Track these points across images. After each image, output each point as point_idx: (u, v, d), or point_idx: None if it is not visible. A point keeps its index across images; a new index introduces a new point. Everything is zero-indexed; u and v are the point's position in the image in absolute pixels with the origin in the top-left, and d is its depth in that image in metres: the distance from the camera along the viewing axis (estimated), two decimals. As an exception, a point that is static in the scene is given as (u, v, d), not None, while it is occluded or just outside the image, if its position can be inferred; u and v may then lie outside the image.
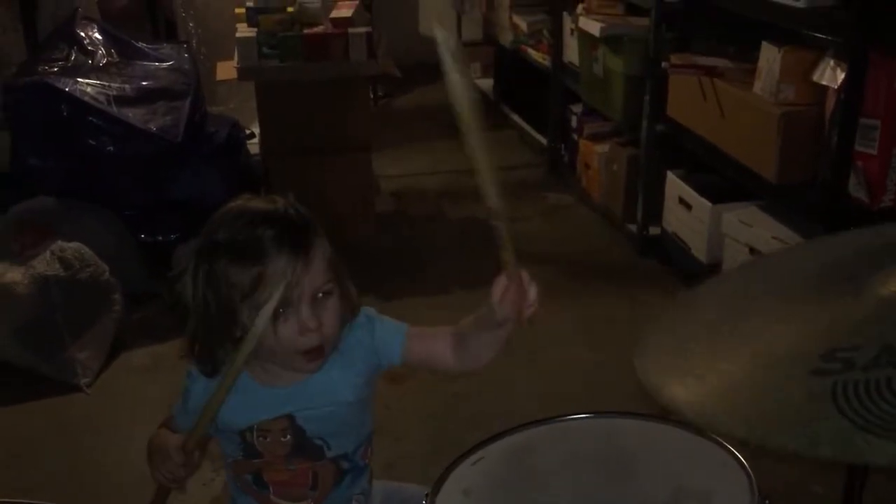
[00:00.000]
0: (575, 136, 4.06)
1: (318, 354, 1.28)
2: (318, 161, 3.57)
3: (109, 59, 3.43)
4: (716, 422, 0.92)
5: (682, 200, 3.20)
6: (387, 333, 1.37)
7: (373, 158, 3.73)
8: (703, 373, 0.99)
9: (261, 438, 1.33)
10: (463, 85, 1.06)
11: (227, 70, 3.76)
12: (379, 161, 3.83)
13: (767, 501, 1.20)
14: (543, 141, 4.45)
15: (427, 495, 1.32)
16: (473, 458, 1.41)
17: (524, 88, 4.75)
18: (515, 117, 4.87)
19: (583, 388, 2.63)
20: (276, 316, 1.20)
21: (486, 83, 5.21)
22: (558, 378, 2.72)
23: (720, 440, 1.34)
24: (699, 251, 3.11)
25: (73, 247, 2.93)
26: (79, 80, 3.22)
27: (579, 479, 1.30)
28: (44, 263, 2.86)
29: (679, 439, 1.37)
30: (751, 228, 2.81)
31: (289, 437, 1.33)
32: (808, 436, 0.83)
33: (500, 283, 1.24)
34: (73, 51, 3.39)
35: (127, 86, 3.33)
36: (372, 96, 5.14)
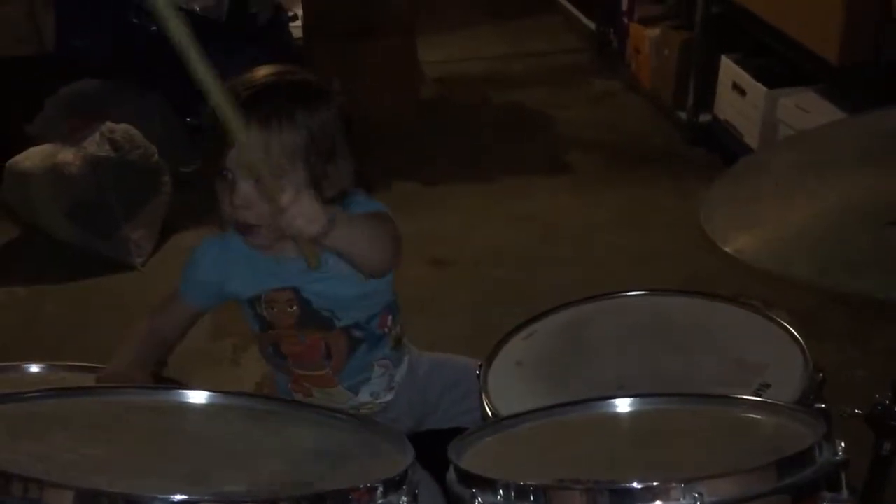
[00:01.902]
0: (625, 20, 3.93)
1: (250, 232, 1.28)
2: (362, 45, 3.50)
3: (151, -64, 3.35)
4: (789, 265, 0.93)
5: (735, 86, 3.11)
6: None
7: (416, 43, 3.66)
8: (772, 223, 0.99)
9: (269, 310, 1.36)
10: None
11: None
12: (421, 46, 3.75)
13: (821, 374, 1.21)
14: (591, 25, 4.32)
15: (481, 365, 1.35)
16: (525, 332, 1.43)
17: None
18: (561, 1, 4.72)
19: (629, 273, 2.63)
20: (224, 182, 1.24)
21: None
22: (604, 264, 2.72)
23: (774, 317, 1.34)
24: (751, 139, 3.03)
25: (122, 128, 2.94)
26: (123, -41, 3.17)
27: (632, 352, 1.31)
28: (94, 145, 2.89)
29: (733, 316, 1.38)
30: (807, 114, 2.73)
31: (295, 307, 1.35)
32: (883, 279, 0.83)
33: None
34: (115, -71, 3.32)
35: (170, -35, 3.26)
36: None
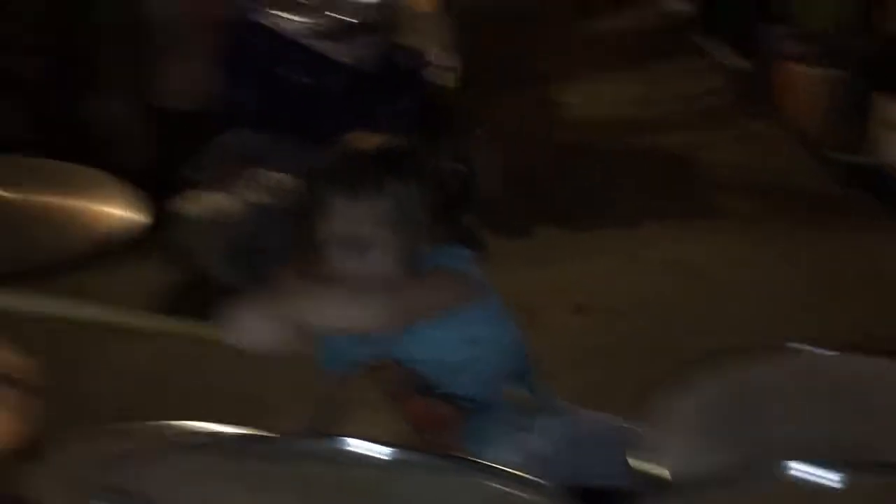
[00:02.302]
0: (773, 58, 3.82)
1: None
2: (504, 91, 3.55)
3: (310, -6, 3.53)
4: None
5: (892, 125, 2.96)
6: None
7: (558, 88, 3.67)
8: None
9: (376, 375, 1.38)
10: None
11: (423, 1, 3.79)
12: (564, 89, 3.77)
13: None
14: (736, 64, 4.22)
15: (636, 423, 1.31)
16: (686, 386, 1.38)
17: (717, 9, 4.50)
18: (707, 41, 4.63)
19: (784, 325, 2.52)
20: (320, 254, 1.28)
21: (676, 6, 4.98)
22: (757, 314, 2.62)
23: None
24: (914, 181, 2.87)
25: (276, 177, 3.09)
26: (283, 15, 3.35)
27: (807, 413, 1.25)
28: (250, 192, 3.04)
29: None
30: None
31: (400, 375, 1.35)
32: None
33: None
34: (273, -14, 3.51)
35: (325, 19, 3.42)
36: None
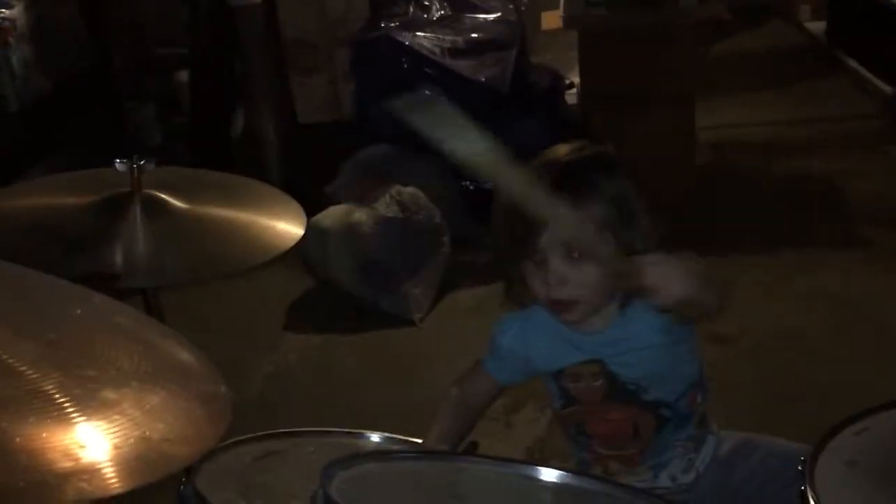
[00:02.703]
0: (929, 83, 3.62)
1: (565, 309, 1.30)
2: (639, 111, 3.49)
3: (443, 12, 3.58)
4: None
5: None
6: None
7: (694, 109, 3.58)
8: None
9: (573, 383, 1.35)
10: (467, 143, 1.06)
11: (552, 19, 3.79)
12: (698, 111, 3.68)
13: None
14: (886, 88, 4.01)
15: (804, 461, 1.25)
16: (857, 427, 1.31)
17: (863, 29, 4.31)
18: (852, 62, 4.44)
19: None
20: (533, 262, 1.27)
21: (818, 25, 4.79)
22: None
23: None
24: None
25: (409, 191, 3.13)
26: (416, 33, 3.40)
27: None
28: (384, 206, 3.09)
29: None
30: None
31: (601, 381, 1.34)
32: None
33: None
34: (410, 6, 3.58)
35: (458, 38, 3.46)
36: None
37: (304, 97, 3.69)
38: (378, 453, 0.92)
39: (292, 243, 1.36)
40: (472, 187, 3.51)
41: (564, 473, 0.91)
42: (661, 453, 1.38)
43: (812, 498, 1.17)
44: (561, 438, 1.48)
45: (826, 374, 2.40)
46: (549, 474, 0.92)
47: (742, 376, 2.45)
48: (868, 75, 4.26)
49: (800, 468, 1.23)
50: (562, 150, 1.34)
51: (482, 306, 3.08)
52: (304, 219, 1.42)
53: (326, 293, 3.17)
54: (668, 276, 1.15)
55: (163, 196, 1.33)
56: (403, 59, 3.36)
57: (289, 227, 1.38)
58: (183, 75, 3.88)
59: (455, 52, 3.42)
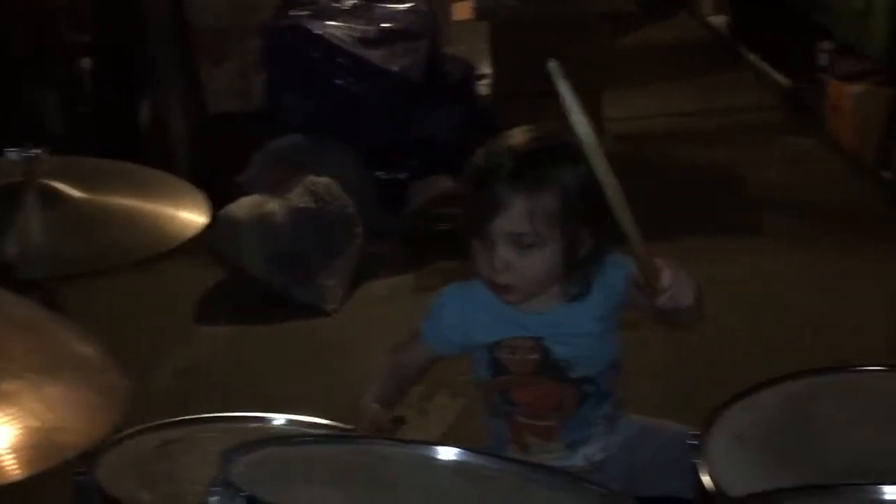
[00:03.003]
0: (823, 76, 3.79)
1: (506, 291, 1.34)
2: (548, 102, 3.54)
3: (355, 1, 3.56)
4: None
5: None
6: (614, 268, 1.38)
7: (601, 101, 3.67)
8: None
9: (509, 355, 1.39)
10: (586, 123, 1.08)
11: (463, 10, 3.81)
12: (606, 102, 3.76)
13: None
14: (784, 81, 4.19)
15: (696, 436, 1.31)
16: (745, 403, 1.37)
17: (763, 24, 4.48)
18: (752, 56, 4.61)
19: (833, 345, 2.49)
20: (482, 243, 1.30)
21: (719, 20, 4.96)
22: (804, 335, 2.58)
23: None
24: (969, 203, 2.83)
25: (322, 181, 3.12)
26: (327, 22, 3.38)
27: (869, 434, 1.23)
28: (297, 196, 3.07)
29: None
30: None
31: (535, 355, 1.38)
32: None
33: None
34: (321, -5, 3.56)
35: (370, 27, 3.45)
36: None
37: (213, 86, 3.63)
38: (280, 437, 0.93)
39: (195, 232, 1.35)
40: (385, 177, 3.53)
41: (468, 452, 0.93)
42: (581, 430, 1.42)
43: (703, 468, 1.23)
44: (480, 413, 1.49)
45: (729, 355, 2.50)
46: (447, 453, 0.94)
47: (650, 360, 2.53)
48: (767, 69, 4.43)
49: (692, 443, 1.30)
50: (519, 137, 1.34)
51: (396, 295, 3.10)
52: (209, 207, 1.41)
53: (238, 285, 3.13)
54: (682, 284, 1.20)
55: (58, 185, 1.31)
56: (314, 49, 3.34)
57: (192, 216, 1.37)
58: (88, 62, 3.77)
59: (367, 41, 3.42)
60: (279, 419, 1.27)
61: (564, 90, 1.08)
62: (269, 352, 2.84)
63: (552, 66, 1.10)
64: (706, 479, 1.18)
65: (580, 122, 1.09)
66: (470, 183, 1.33)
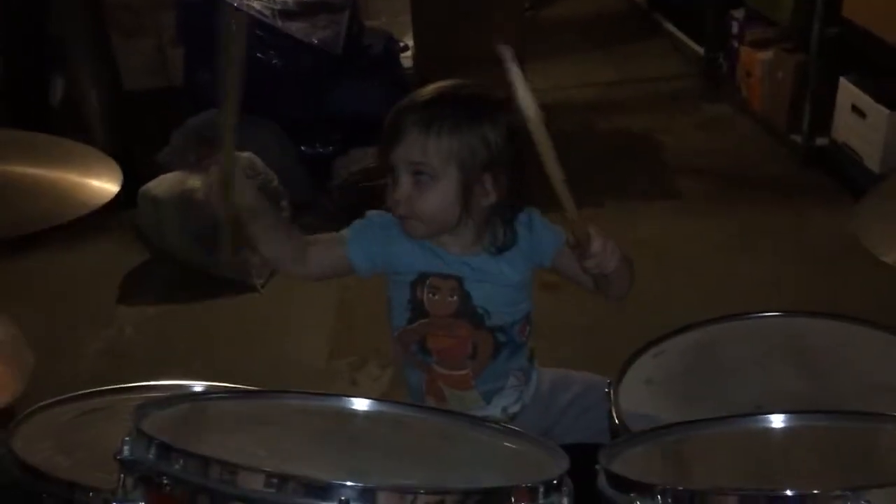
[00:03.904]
0: (735, 43, 3.89)
1: (406, 223, 1.40)
2: (470, 74, 3.57)
3: (273, -27, 3.52)
4: None
5: (855, 108, 3.04)
6: (544, 236, 1.45)
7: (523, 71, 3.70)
8: None
9: (430, 295, 1.43)
10: (531, 102, 1.17)
11: (382, -18, 3.79)
12: (526, 72, 3.79)
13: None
14: (699, 49, 4.29)
15: (609, 383, 1.37)
16: (654, 351, 1.44)
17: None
18: (668, 25, 4.70)
19: (745, 300, 2.58)
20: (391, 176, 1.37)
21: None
22: (719, 291, 2.68)
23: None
24: (872, 162, 2.96)
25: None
26: (245, -6, 3.33)
27: (765, 374, 1.30)
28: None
29: (870, 338, 1.36)
30: (933, 136, 2.66)
31: (455, 297, 1.42)
32: None
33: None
34: (237, -33, 3.49)
35: (289, 0, 3.41)
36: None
37: (128, 63, 3.54)
38: (195, 394, 0.94)
39: (106, 200, 1.33)
40: (309, 152, 3.51)
41: (378, 402, 0.96)
42: (495, 380, 1.46)
43: (615, 413, 1.28)
44: (400, 369, 1.53)
45: (644, 314, 2.57)
46: (361, 403, 0.96)
47: (569, 320, 2.59)
48: (684, 38, 4.53)
49: (606, 389, 1.35)
50: (440, 84, 1.42)
51: (324, 269, 3.11)
52: (120, 175, 1.39)
53: (162, 263, 3.09)
54: (609, 252, 1.28)
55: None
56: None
57: (103, 184, 1.35)
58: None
59: (287, 14, 3.38)
60: (198, 386, 1.27)
61: (512, 71, 1.17)
62: (196, 330, 2.81)
63: (502, 48, 1.18)
64: (616, 420, 1.24)
65: (526, 100, 1.17)
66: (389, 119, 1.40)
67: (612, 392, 1.34)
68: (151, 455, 0.78)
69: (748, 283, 2.68)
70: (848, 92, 3.09)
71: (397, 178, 1.37)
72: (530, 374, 1.51)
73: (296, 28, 3.35)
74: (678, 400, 1.28)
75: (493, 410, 1.47)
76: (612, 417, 1.29)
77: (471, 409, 1.44)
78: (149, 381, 1.46)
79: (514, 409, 1.49)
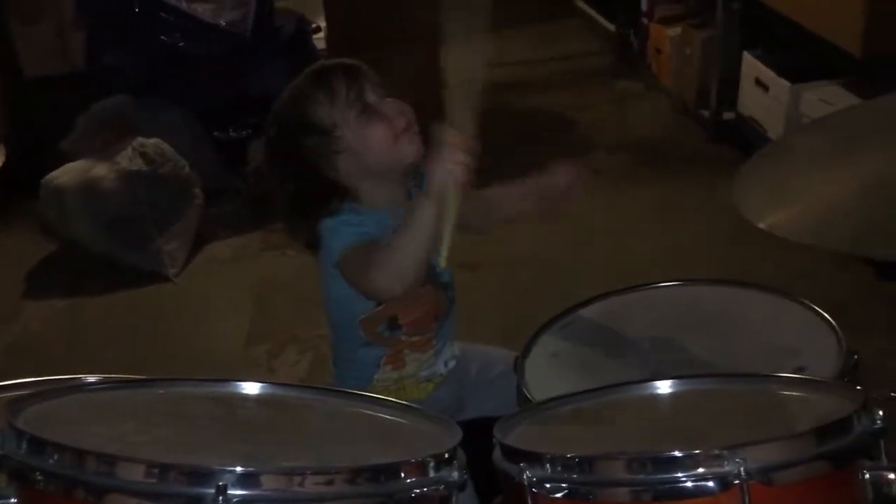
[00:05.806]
0: (645, 21, 3.95)
1: (411, 135, 1.49)
2: (384, 54, 3.53)
3: (178, -47, 3.42)
4: (822, 235, 0.95)
5: (758, 81, 3.12)
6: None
7: (438, 51, 3.69)
8: (807, 198, 1.02)
9: None
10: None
11: (291, -38, 3.73)
12: (442, 52, 3.78)
13: (856, 356, 1.22)
14: (611, 27, 4.34)
15: (517, 358, 1.38)
16: (560, 323, 1.46)
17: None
18: (582, 4, 4.75)
19: (660, 271, 2.62)
20: (363, 124, 1.41)
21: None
22: (635, 262, 2.72)
23: (806, 302, 1.35)
24: (775, 134, 3.04)
25: (152, 143, 3.00)
26: (150, -23, 3.23)
27: (667, 341, 1.33)
28: (126, 159, 2.95)
29: (766, 302, 1.40)
30: (831, 107, 2.73)
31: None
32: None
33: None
34: (141, -53, 3.39)
35: (195, -19, 3.33)
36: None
37: (28, 48, 3.41)
38: (76, 386, 0.91)
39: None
40: (222, 137, 3.43)
41: (267, 384, 0.95)
42: (445, 336, 1.50)
43: (522, 386, 1.30)
44: (337, 359, 1.51)
45: (564, 287, 2.60)
46: (250, 387, 0.94)
47: (489, 298, 2.61)
48: (596, 15, 4.58)
49: (514, 364, 1.37)
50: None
51: (240, 256, 3.05)
52: (4, 153, 1.33)
53: (70, 255, 3.00)
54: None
55: None
56: (136, 4, 3.19)
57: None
58: None
59: (192, -4, 3.29)
60: (91, 378, 1.23)
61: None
62: (107, 323, 2.74)
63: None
64: (523, 392, 1.25)
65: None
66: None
67: (519, 365, 1.35)
68: (23, 450, 0.75)
69: (661, 255, 2.74)
70: (752, 66, 3.17)
71: (376, 109, 1.43)
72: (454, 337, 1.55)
73: (202, 10, 3.27)
74: (581, 371, 1.30)
75: (439, 367, 1.50)
76: (519, 390, 1.30)
77: (425, 367, 1.47)
78: (46, 376, 1.40)
79: (451, 364, 1.52)
